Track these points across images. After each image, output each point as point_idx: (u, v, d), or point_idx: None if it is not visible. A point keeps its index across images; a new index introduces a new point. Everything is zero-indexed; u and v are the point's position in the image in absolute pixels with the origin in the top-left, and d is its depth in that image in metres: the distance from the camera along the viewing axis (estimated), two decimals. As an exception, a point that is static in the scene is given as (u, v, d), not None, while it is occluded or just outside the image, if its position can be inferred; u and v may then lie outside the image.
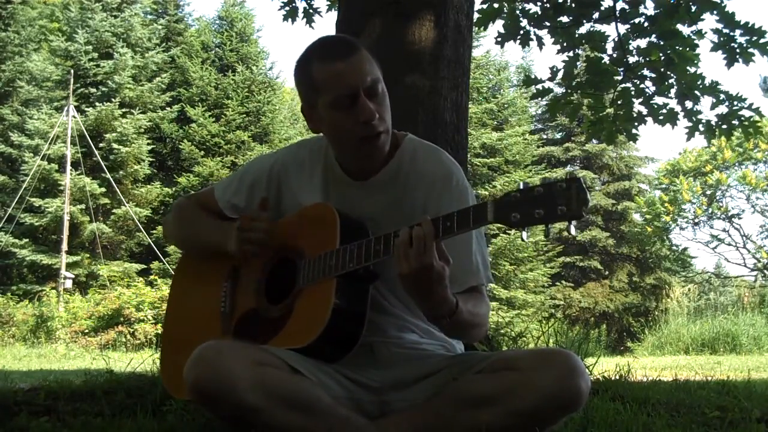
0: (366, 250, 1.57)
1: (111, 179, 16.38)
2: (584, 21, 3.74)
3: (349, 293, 1.60)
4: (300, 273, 1.66)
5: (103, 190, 16.82)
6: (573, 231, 1.35)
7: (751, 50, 3.43)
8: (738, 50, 3.44)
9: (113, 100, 17.30)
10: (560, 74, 3.78)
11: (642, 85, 3.78)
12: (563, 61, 3.77)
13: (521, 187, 1.38)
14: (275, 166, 1.85)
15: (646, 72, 3.72)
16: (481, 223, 1.42)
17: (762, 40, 3.39)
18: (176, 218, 1.97)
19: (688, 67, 3.57)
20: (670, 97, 3.74)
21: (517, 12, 3.71)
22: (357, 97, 1.60)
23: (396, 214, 1.70)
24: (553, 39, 3.76)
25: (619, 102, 3.82)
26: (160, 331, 11.17)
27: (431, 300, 1.50)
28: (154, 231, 17.07)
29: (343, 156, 1.75)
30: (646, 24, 3.59)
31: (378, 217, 1.71)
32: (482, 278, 1.71)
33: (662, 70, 3.64)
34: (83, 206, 16.55)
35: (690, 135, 3.78)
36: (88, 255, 16.77)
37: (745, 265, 16.99)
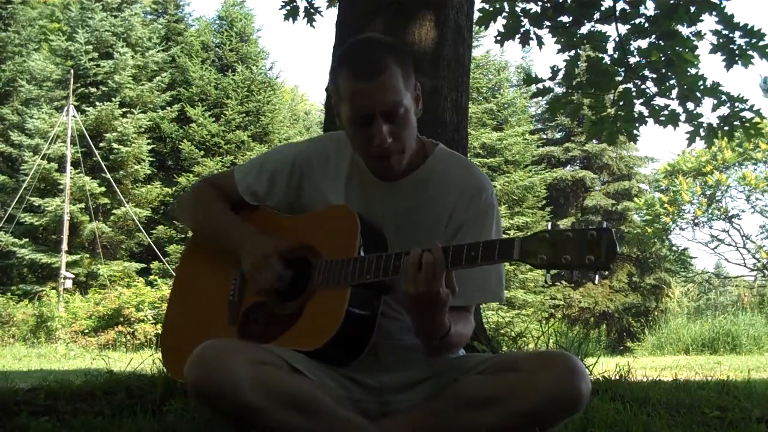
0: (385, 265, 1.55)
1: (111, 179, 16.38)
2: (584, 21, 3.74)
3: (362, 303, 1.59)
4: (314, 274, 1.65)
5: (103, 189, 16.81)
6: (597, 281, 1.37)
7: (750, 52, 3.42)
8: (737, 52, 3.43)
9: (113, 99, 17.29)
10: (561, 74, 3.78)
11: (643, 86, 3.78)
12: (564, 61, 3.77)
13: (550, 228, 1.38)
14: (299, 157, 1.82)
15: (647, 73, 3.72)
16: (506, 258, 1.43)
17: (761, 43, 3.38)
18: (194, 203, 1.92)
19: (688, 69, 3.57)
20: (672, 98, 3.74)
21: (518, 11, 3.71)
22: (373, 118, 1.60)
23: (419, 218, 1.70)
24: (554, 39, 3.76)
25: (620, 102, 3.82)
26: (160, 331, 11.16)
27: (428, 323, 1.52)
28: (154, 231, 17.09)
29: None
30: (646, 25, 3.59)
31: (400, 219, 1.70)
32: (490, 296, 1.72)
33: (663, 71, 3.63)
34: (83, 206, 16.55)
35: (691, 140, 3.77)
36: (88, 255, 16.77)
37: (745, 265, 16.98)
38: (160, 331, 10.15)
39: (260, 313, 1.71)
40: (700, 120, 3.74)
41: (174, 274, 2.08)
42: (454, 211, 1.70)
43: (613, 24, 3.67)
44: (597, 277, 1.35)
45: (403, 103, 1.62)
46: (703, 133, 3.76)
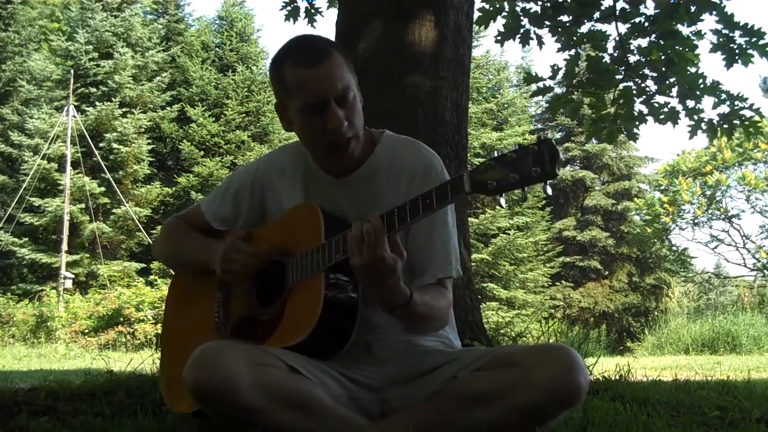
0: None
1: (111, 179, 16.38)
2: (585, 20, 3.74)
3: (339, 286, 1.61)
4: (289, 272, 1.67)
5: (103, 189, 16.82)
6: (549, 191, 1.38)
7: (750, 51, 3.43)
8: (737, 51, 3.44)
9: (113, 99, 17.30)
10: (561, 73, 3.78)
11: (643, 85, 3.78)
12: (564, 60, 3.77)
13: (495, 155, 1.40)
14: (257, 174, 1.87)
15: (647, 71, 3.72)
16: (459, 194, 1.43)
17: (761, 42, 3.38)
18: (165, 238, 1.99)
19: (688, 68, 3.57)
20: (672, 96, 3.74)
21: (518, 11, 3.71)
22: (326, 104, 1.61)
23: (377, 207, 1.69)
24: (554, 38, 3.76)
25: (620, 101, 3.82)
26: (159, 331, 11.16)
27: (383, 291, 1.53)
28: (154, 231, 17.07)
29: (316, 157, 1.77)
30: (646, 24, 3.60)
31: (361, 213, 1.70)
32: (452, 270, 1.73)
33: (663, 69, 3.64)
34: (83, 206, 16.55)
35: (692, 134, 3.78)
36: (88, 255, 16.77)
37: (745, 265, 16.98)
38: (159, 332, 10.16)
39: (246, 325, 1.74)
40: (701, 115, 3.74)
41: (173, 276, 2.11)
42: (407, 193, 1.71)
43: (613, 23, 3.67)
44: (548, 187, 1.37)
45: (352, 88, 1.66)
46: (704, 127, 3.76)
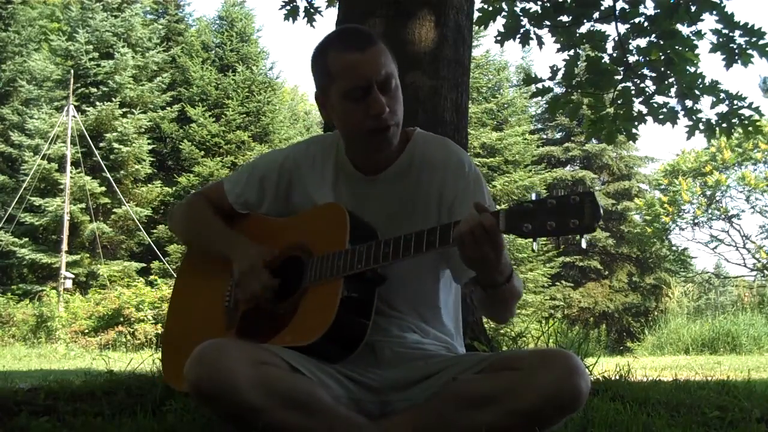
0: (375, 252, 1.57)
1: (111, 179, 16.39)
2: (584, 20, 3.74)
3: (356, 294, 1.59)
4: (307, 271, 1.66)
5: (104, 189, 16.83)
6: (584, 244, 1.37)
7: (750, 51, 3.43)
8: (737, 51, 3.44)
9: (113, 99, 17.31)
10: (560, 73, 3.78)
11: (642, 85, 3.78)
12: (564, 60, 3.78)
13: (534, 198, 1.40)
14: (286, 162, 1.84)
15: (646, 71, 3.72)
16: None
17: (761, 42, 3.39)
18: (186, 216, 1.96)
19: (687, 67, 3.58)
20: (671, 96, 3.75)
21: (517, 11, 3.71)
22: (370, 89, 1.61)
23: (409, 204, 1.71)
24: (554, 38, 3.76)
25: (619, 101, 3.82)
26: (160, 331, 11.18)
27: (499, 265, 1.50)
28: (155, 231, 17.09)
29: (353, 148, 1.76)
30: (645, 24, 3.60)
31: (391, 209, 1.71)
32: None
33: (662, 69, 3.64)
34: (83, 206, 16.55)
35: (690, 134, 3.78)
36: (88, 254, 16.78)
37: (745, 265, 17.01)
38: (160, 332, 10.12)
39: (257, 315, 1.72)
40: (699, 115, 3.75)
41: (174, 276, 2.10)
42: (443, 190, 1.71)
43: (613, 23, 3.67)
44: (584, 240, 1.36)
45: (395, 76, 1.66)
46: (702, 127, 3.76)
